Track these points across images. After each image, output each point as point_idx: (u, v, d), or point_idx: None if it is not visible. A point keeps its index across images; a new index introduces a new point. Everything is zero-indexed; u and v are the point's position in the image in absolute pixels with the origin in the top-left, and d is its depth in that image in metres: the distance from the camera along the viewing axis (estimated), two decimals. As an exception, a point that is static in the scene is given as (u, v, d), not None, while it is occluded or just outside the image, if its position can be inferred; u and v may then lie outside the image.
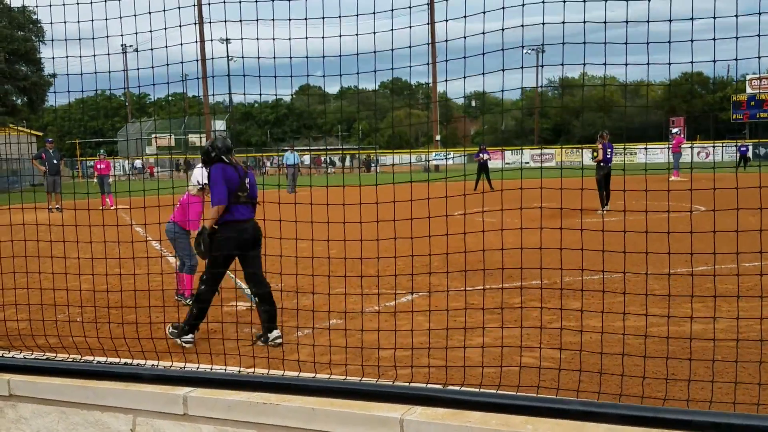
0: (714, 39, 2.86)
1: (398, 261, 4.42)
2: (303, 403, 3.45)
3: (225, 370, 4.11)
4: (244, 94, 4.46)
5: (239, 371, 4.10)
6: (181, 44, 4.00)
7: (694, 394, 4.14)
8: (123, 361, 4.43)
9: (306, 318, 6.23)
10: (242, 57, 4.01)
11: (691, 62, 2.96)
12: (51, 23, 5.42)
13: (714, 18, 2.81)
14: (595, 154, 17.65)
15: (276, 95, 4.30)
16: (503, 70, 3.15)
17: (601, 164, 16.96)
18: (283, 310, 6.51)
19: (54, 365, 4.10)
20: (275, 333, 6.14)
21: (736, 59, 2.87)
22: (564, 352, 5.26)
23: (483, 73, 3.30)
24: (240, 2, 4.34)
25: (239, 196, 6.03)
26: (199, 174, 7.61)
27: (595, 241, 3.59)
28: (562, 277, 6.55)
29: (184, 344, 6.09)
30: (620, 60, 3.21)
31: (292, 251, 4.88)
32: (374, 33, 3.59)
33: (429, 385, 3.30)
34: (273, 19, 4.04)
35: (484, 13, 3.38)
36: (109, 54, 4.92)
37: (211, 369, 4.09)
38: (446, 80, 3.55)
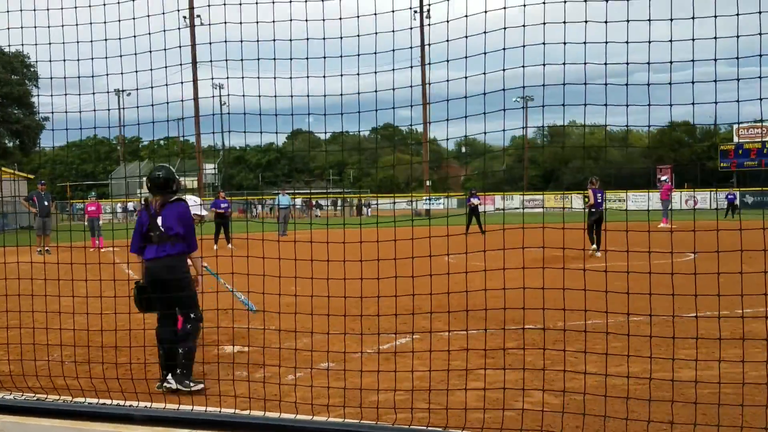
0: (715, 81, 2.90)
1: (391, 303, 4.39)
2: (301, 446, 3.38)
3: (220, 411, 4.03)
4: (245, 132, 4.48)
5: (234, 413, 4.02)
6: (185, 81, 4.03)
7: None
8: (115, 402, 4.34)
9: (300, 360, 6.14)
10: (246, 95, 4.03)
11: (693, 103, 3.00)
12: (50, 61, 5.45)
13: (715, 60, 2.86)
14: (586, 199, 17.79)
15: (276, 132, 4.32)
16: (504, 110, 3.18)
17: (592, 209, 17.06)
18: (281, 351, 6.41)
19: (44, 406, 4.00)
20: (168, 377, 5.83)
21: (737, 101, 2.91)
22: (560, 398, 5.19)
23: (484, 113, 3.33)
24: (241, 41, 4.38)
25: (150, 237, 6.01)
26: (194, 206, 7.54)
27: (590, 286, 3.57)
28: (564, 320, 6.50)
29: (192, 388, 5.80)
30: (609, 110, 3.28)
31: (285, 291, 4.83)
32: (375, 73, 3.62)
33: (429, 428, 3.24)
34: (274, 59, 4.08)
35: (485, 54, 3.43)
36: (108, 92, 4.95)
37: (206, 411, 4.01)
38: (448, 119, 3.57)
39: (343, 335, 6.39)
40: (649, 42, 2.93)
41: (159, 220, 6.01)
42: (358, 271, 4.13)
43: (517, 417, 4.52)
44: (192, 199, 8.06)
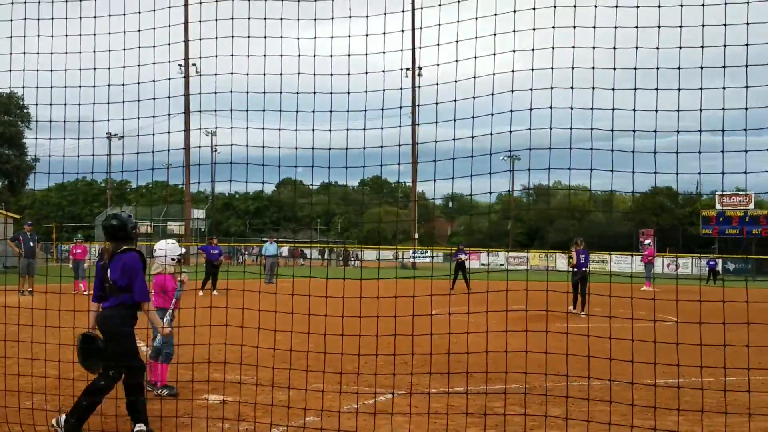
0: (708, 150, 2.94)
1: (375, 358, 4.33)
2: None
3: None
4: (247, 182, 4.47)
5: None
6: (180, 130, 4.04)
7: None
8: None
9: (280, 414, 6.00)
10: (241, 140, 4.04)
11: (701, 174, 3.03)
12: (51, 104, 5.48)
13: (729, 129, 2.90)
14: (570, 259, 18.04)
15: (278, 183, 4.33)
16: (512, 171, 3.19)
17: (575, 269, 17.28)
18: (272, 406, 6.28)
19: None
20: (61, 417, 5.61)
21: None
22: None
23: (479, 174, 3.35)
24: (247, 92, 4.42)
25: (105, 288, 5.96)
26: (170, 250, 7.53)
27: (574, 346, 3.53)
28: (567, 383, 6.41)
29: None
30: (593, 173, 3.34)
31: (269, 342, 4.73)
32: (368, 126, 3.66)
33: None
34: (273, 110, 4.11)
35: (477, 112, 3.47)
36: (109, 136, 4.96)
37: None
38: (449, 177, 3.59)
39: (339, 392, 6.27)
40: (657, 111, 2.98)
41: (108, 272, 5.92)
42: (348, 322, 4.08)
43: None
44: (167, 245, 7.95)
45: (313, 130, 4.07)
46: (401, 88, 3.74)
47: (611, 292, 3.23)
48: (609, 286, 3.16)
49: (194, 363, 5.43)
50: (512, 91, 3.36)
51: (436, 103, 3.60)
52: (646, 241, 33.76)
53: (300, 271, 34.00)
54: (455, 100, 3.46)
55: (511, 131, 3.35)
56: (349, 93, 3.83)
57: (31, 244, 20.83)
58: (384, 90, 3.80)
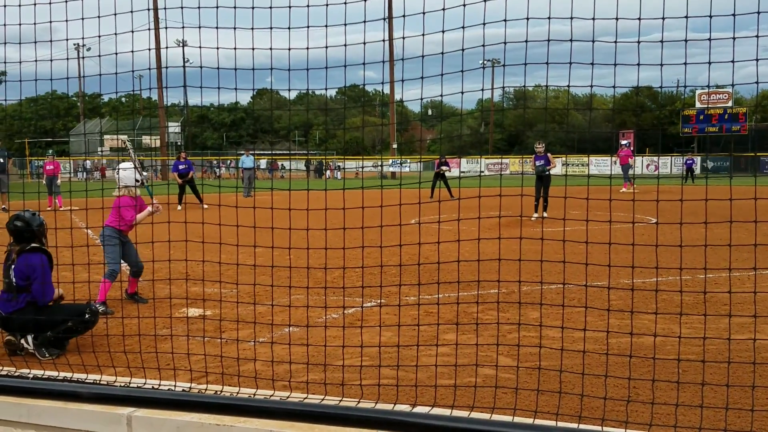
0: (687, 39, 2.70)
1: (358, 269, 4.20)
2: (260, 426, 3.17)
3: (174, 386, 3.80)
4: (219, 88, 4.14)
5: (190, 387, 3.80)
6: (156, 32, 3.70)
7: (658, 418, 3.98)
8: (62, 375, 4.08)
9: (262, 327, 5.92)
10: (218, 49, 3.72)
11: (676, 63, 2.80)
12: (4, 6, 5.05)
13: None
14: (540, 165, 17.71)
15: (253, 88, 4.02)
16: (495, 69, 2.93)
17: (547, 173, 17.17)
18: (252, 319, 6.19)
19: (-16, 381, 3.73)
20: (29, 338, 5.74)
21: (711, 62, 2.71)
22: (530, 364, 5.08)
23: (469, 69, 3.09)
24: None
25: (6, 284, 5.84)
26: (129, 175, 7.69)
27: (551, 250, 3.38)
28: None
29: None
30: (573, 74, 3.10)
31: (249, 256, 4.57)
32: (346, 26, 3.35)
33: (396, 408, 3.05)
34: (252, 7, 3.77)
35: (467, 10, 3.18)
36: (83, 45, 4.59)
37: (159, 384, 3.79)
38: (426, 79, 3.33)
39: (324, 305, 6.16)
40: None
41: (12, 270, 5.80)
42: (319, 238, 3.93)
43: (482, 390, 4.40)
44: (125, 169, 7.87)
45: (289, 28, 3.73)
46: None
47: (589, 194, 3.07)
48: (587, 189, 2.97)
49: (171, 279, 5.28)
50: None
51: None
52: (624, 142, 33.59)
53: (279, 184, 33.68)
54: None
55: (484, 23, 3.06)
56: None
57: (1, 160, 20.40)
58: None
